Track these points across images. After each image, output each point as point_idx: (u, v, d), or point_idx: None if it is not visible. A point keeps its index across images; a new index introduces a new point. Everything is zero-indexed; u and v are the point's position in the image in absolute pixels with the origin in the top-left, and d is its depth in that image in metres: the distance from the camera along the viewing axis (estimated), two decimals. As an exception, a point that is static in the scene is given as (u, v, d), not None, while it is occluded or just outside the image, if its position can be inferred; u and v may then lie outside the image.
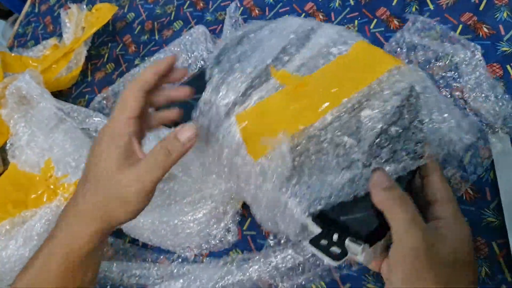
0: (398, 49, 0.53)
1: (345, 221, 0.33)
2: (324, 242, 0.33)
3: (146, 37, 0.82)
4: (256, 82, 0.41)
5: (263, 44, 0.44)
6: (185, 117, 0.42)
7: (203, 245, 0.54)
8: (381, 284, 0.44)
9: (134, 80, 0.38)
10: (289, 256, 0.47)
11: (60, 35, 0.89)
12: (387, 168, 0.34)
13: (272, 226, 0.41)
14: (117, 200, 0.37)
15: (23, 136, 0.66)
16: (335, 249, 0.32)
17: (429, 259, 0.30)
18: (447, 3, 0.54)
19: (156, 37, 0.80)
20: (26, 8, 1.08)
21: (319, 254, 0.32)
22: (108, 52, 0.86)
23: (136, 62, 0.79)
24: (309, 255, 0.47)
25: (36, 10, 1.07)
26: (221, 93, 0.40)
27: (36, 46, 0.88)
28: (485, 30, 0.50)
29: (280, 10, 0.66)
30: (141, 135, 0.40)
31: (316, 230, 0.35)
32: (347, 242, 0.33)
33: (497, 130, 0.45)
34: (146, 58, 0.77)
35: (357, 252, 0.32)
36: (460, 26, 0.52)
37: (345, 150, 0.35)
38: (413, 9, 0.56)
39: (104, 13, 0.81)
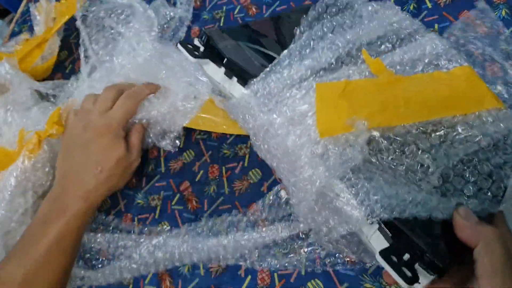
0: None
1: (419, 243, 0.31)
2: (394, 258, 0.30)
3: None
4: (345, 59, 0.38)
5: (362, 22, 0.42)
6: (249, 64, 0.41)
7: None
8: (378, 283, 0.44)
9: (134, 94, 0.57)
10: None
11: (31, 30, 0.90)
12: (466, 203, 0.32)
13: (312, 217, 0.37)
14: (127, 175, 0.59)
15: (1, 120, 0.68)
16: (405, 271, 0.30)
17: None
18: (445, 1, 0.54)
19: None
20: (22, 7, 1.08)
21: (391, 270, 0.30)
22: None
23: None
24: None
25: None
26: (305, 59, 0.38)
27: (8, 42, 0.88)
28: (484, 28, 0.50)
29: (278, 9, 0.66)
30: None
31: (376, 238, 0.33)
32: (417, 267, 0.30)
33: None
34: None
35: (424, 281, 0.30)
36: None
37: (421, 167, 0.34)
38: (411, 7, 0.56)
39: (72, 1, 0.80)
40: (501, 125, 0.35)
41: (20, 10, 1.08)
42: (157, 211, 0.59)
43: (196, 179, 0.59)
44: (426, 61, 0.39)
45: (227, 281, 0.51)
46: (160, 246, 0.54)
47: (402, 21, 0.43)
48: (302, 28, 0.42)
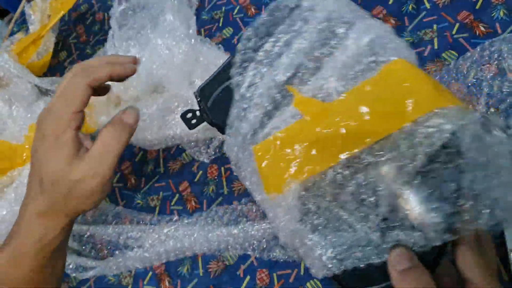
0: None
1: None
2: None
3: (97, 27, 0.83)
4: (280, 101, 0.36)
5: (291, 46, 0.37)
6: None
7: None
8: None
9: (83, 71, 0.37)
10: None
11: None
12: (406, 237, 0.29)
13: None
14: (78, 198, 0.37)
15: (3, 111, 0.68)
16: None
17: None
18: (443, 1, 0.54)
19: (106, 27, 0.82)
20: (21, 7, 1.08)
21: None
22: (62, 40, 0.89)
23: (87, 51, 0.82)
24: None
25: (31, 9, 1.06)
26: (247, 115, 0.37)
27: (4, 41, 0.88)
28: (482, 28, 0.50)
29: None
30: (82, 122, 0.39)
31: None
32: None
33: None
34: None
35: None
36: (457, 24, 0.52)
37: (362, 205, 0.30)
38: (410, 7, 0.56)
39: (67, -2, 0.81)
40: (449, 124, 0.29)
41: (19, 10, 1.08)
42: (156, 212, 0.59)
43: (196, 180, 0.59)
44: (363, 64, 0.34)
45: (226, 281, 0.51)
46: (171, 235, 0.54)
47: (341, 9, 0.38)
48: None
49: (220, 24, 0.71)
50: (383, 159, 0.30)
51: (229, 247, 0.50)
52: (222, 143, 0.58)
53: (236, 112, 0.37)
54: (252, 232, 0.49)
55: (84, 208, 0.39)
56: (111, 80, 0.39)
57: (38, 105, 0.69)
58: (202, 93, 0.44)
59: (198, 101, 0.44)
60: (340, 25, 0.36)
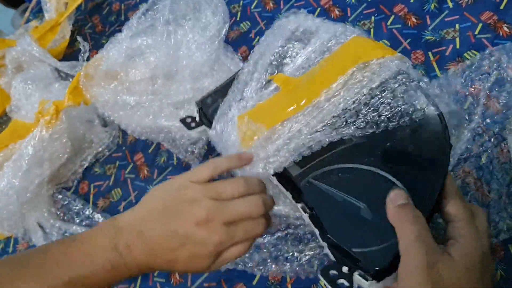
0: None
1: (357, 254, 0.33)
2: (334, 272, 0.33)
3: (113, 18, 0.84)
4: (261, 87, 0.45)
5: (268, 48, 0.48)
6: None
7: None
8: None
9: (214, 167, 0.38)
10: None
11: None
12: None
13: None
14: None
15: (21, 93, 0.68)
16: (343, 282, 0.32)
17: (430, 278, 0.29)
18: (466, 1, 0.53)
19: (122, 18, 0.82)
20: (38, -4, 1.08)
21: (327, 284, 0.32)
22: (78, 29, 0.89)
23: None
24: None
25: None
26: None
27: (18, 30, 0.88)
28: (506, 29, 0.49)
29: (295, 4, 0.65)
30: None
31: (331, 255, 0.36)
32: (355, 275, 0.32)
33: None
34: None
35: (365, 286, 0.32)
36: (480, 25, 0.51)
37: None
38: (432, 6, 0.55)
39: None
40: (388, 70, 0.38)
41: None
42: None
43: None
44: (322, 49, 0.44)
45: (238, 275, 0.50)
46: None
47: (300, 27, 0.48)
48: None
49: (238, 18, 0.70)
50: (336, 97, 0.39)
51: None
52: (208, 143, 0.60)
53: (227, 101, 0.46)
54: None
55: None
56: None
57: (54, 87, 0.69)
58: (204, 103, 0.50)
59: (198, 109, 0.50)
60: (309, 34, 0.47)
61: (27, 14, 0.97)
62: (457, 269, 0.30)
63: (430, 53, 0.52)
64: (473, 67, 0.49)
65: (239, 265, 0.50)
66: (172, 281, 0.53)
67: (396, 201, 0.32)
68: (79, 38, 0.69)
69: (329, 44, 0.43)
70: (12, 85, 0.69)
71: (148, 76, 0.58)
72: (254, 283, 0.49)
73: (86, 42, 0.83)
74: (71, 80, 0.72)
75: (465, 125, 0.46)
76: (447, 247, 0.31)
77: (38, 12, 1.03)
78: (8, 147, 0.62)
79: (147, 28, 0.60)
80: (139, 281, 0.55)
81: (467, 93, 0.48)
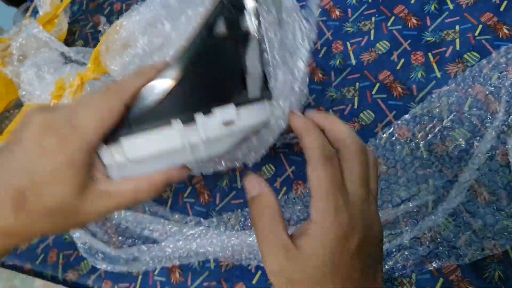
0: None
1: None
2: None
3: (114, 18, 0.84)
4: None
5: None
6: None
7: None
8: (391, 284, 0.43)
9: (115, 91, 0.30)
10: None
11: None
12: None
13: None
14: (69, 225, 0.31)
15: (33, 77, 0.68)
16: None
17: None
18: (467, 2, 0.53)
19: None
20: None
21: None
22: (79, 29, 0.89)
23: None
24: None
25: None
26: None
27: (12, 29, 0.88)
28: (505, 31, 0.50)
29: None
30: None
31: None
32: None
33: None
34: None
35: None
36: (480, 26, 0.51)
37: None
38: (432, 7, 0.55)
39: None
40: None
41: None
42: (169, 203, 0.59)
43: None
44: None
45: (238, 275, 0.51)
46: (189, 239, 0.53)
47: None
48: None
49: None
50: None
51: (243, 256, 0.50)
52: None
53: None
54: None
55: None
56: None
57: (65, 68, 0.68)
58: None
59: None
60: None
61: (28, 13, 0.97)
62: (306, 270, 0.27)
63: (430, 54, 0.52)
64: (491, 65, 0.49)
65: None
66: (172, 280, 0.54)
67: (250, 193, 0.30)
68: (101, 19, 0.69)
69: None
70: (22, 71, 0.69)
71: (166, 44, 0.57)
72: (254, 282, 0.49)
73: (87, 41, 0.84)
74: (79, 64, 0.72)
75: (488, 124, 0.46)
76: (298, 235, 0.28)
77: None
78: None
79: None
80: (139, 280, 0.56)
81: (487, 92, 0.48)
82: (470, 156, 0.45)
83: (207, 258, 0.53)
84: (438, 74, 0.51)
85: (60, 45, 0.72)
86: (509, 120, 0.45)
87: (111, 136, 0.31)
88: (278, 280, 0.27)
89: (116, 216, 0.57)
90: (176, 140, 0.30)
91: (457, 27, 0.53)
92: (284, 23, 0.37)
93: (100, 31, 0.76)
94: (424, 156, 0.47)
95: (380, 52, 0.55)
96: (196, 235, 0.52)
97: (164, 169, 0.32)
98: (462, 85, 0.49)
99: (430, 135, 0.48)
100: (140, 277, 0.56)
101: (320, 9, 0.63)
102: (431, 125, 0.48)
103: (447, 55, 0.51)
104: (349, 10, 0.61)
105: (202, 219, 0.55)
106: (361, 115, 0.53)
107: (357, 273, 0.27)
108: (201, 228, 0.53)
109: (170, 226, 0.53)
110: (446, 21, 0.54)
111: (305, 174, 0.37)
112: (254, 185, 0.30)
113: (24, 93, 0.68)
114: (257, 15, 0.34)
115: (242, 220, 0.53)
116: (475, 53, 0.50)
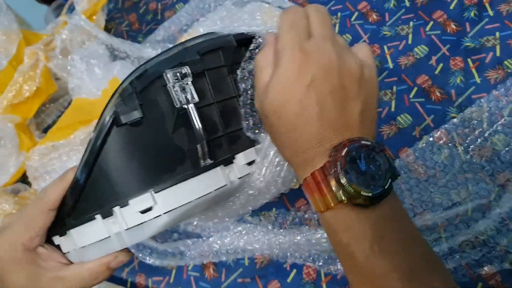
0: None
1: None
2: None
3: (149, 17, 0.85)
4: None
5: None
6: None
7: None
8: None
9: (40, 201, 0.38)
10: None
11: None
12: None
13: None
14: None
15: (83, 70, 0.70)
16: None
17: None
18: (507, 9, 0.53)
19: (159, 17, 0.84)
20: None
21: None
22: (115, 27, 0.91)
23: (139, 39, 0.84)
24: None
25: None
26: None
27: (49, 25, 0.90)
28: (548, 38, 0.50)
29: (332, 8, 0.66)
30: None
31: None
32: None
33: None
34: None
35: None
36: (521, 33, 0.51)
37: None
38: (472, 14, 0.55)
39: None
40: None
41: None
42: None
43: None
44: None
45: (272, 272, 0.51)
46: (234, 236, 0.54)
47: None
48: None
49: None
50: None
51: (289, 254, 0.50)
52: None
53: None
54: (313, 241, 0.48)
55: None
56: None
57: (115, 64, 0.70)
58: None
59: None
60: None
61: (64, 10, 0.99)
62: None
63: (469, 59, 0.53)
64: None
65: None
66: (206, 276, 0.55)
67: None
68: None
69: None
70: (70, 64, 0.71)
71: None
72: (288, 280, 0.50)
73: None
74: (127, 60, 0.73)
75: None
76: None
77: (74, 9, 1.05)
78: (91, 123, 0.64)
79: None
80: (173, 274, 0.57)
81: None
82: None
83: (254, 256, 0.53)
84: (478, 80, 0.51)
85: (107, 36, 0.73)
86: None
87: (62, 228, 0.38)
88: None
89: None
90: (103, 232, 0.36)
91: (497, 34, 0.53)
92: None
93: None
94: (474, 161, 0.47)
95: (418, 57, 0.56)
96: (243, 232, 0.52)
97: (104, 256, 0.38)
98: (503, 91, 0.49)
99: (479, 139, 0.48)
100: (174, 271, 0.57)
101: (356, 13, 0.64)
102: (480, 129, 0.48)
103: (487, 61, 0.52)
104: (387, 14, 0.61)
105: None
106: (399, 118, 0.53)
107: (332, 112, 0.30)
108: (248, 225, 0.53)
109: (216, 220, 0.54)
110: (486, 27, 0.54)
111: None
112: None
113: (73, 85, 0.70)
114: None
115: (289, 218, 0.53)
116: (516, 60, 0.50)
